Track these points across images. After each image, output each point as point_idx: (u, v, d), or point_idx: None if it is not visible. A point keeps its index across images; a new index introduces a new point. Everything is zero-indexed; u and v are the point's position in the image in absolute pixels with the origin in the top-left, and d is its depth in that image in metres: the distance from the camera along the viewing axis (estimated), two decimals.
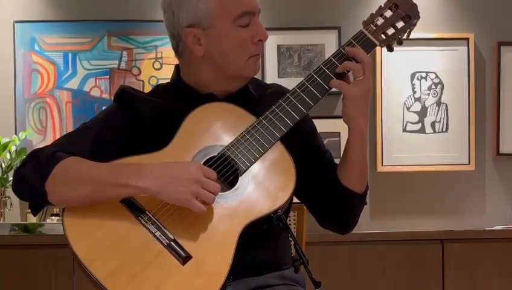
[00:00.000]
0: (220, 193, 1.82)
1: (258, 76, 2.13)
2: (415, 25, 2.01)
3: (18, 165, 1.92)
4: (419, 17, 2.01)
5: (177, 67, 2.06)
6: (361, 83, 1.91)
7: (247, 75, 2.00)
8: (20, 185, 1.89)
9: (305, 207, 2.54)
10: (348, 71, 1.94)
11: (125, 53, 4.07)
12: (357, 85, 1.91)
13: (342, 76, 1.94)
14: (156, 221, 1.81)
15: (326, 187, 2.00)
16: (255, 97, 2.03)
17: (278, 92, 2.03)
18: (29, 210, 1.92)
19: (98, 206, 1.82)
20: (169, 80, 2.09)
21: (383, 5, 2.01)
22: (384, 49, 2.02)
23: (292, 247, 2.11)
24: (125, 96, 2.02)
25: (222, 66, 1.96)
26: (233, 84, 2.00)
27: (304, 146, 2.03)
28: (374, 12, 2.01)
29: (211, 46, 1.94)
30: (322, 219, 2.07)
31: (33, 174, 1.85)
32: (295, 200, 2.04)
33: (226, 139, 1.90)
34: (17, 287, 3.54)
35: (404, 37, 2.01)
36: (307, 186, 2.01)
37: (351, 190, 1.98)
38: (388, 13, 2.00)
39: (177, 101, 1.99)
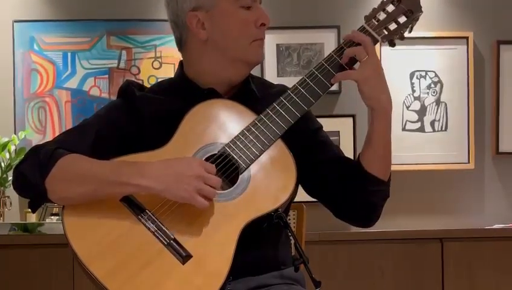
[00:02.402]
0: (220, 191, 1.82)
1: (257, 74, 2.13)
2: (417, 19, 1.99)
3: (18, 162, 1.92)
4: (421, 11, 1.99)
5: (181, 63, 2.06)
6: (367, 63, 1.90)
7: (250, 60, 1.99)
8: (20, 181, 1.89)
9: (304, 206, 2.55)
10: (353, 59, 1.92)
11: (124, 52, 4.07)
12: (363, 67, 1.90)
13: (349, 67, 1.93)
14: (156, 220, 1.81)
15: (344, 180, 1.96)
16: (257, 96, 2.02)
17: (282, 91, 1.99)
18: (29, 209, 1.92)
19: (98, 204, 1.82)
20: (172, 76, 2.10)
21: (385, 0, 2.00)
22: (383, 47, 2.02)
23: (292, 246, 2.11)
24: (128, 93, 2.02)
25: (226, 49, 1.96)
26: (237, 70, 1.99)
27: (312, 144, 2.02)
28: (376, 7, 2.00)
29: (214, 29, 1.95)
30: (343, 214, 2.03)
31: (33, 171, 1.85)
32: (295, 199, 2.04)
33: (227, 136, 1.89)
34: (16, 286, 3.54)
35: (406, 32, 2.01)
36: (322, 183, 2.00)
37: (375, 176, 1.94)
38: (390, 8, 1.99)
39: (178, 96, 1.99)
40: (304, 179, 1.99)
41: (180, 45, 2.03)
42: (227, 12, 1.95)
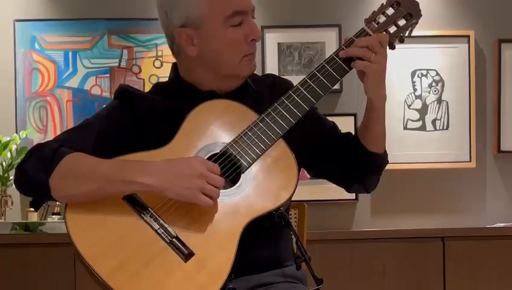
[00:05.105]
0: (222, 190, 1.82)
1: (259, 73, 2.14)
2: (416, 23, 2.01)
3: (21, 160, 1.92)
4: (420, 15, 2.01)
5: (174, 65, 2.06)
6: (378, 59, 1.92)
7: (242, 75, 2.00)
8: (23, 179, 1.89)
9: (306, 205, 2.56)
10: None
11: (125, 51, 4.08)
12: (376, 61, 1.92)
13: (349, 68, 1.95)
14: (158, 218, 1.81)
15: (351, 157, 2.03)
16: (254, 89, 2.04)
17: (276, 82, 2.06)
18: (30, 209, 1.92)
19: (101, 203, 1.82)
20: (167, 78, 2.09)
21: (384, 3, 2.01)
22: None
23: (293, 244, 2.11)
24: (126, 94, 2.02)
25: (216, 66, 1.96)
26: (230, 83, 2.00)
27: (316, 128, 2.07)
28: (376, 10, 2.01)
29: (203, 47, 1.95)
30: (351, 185, 2.11)
31: (37, 169, 1.85)
32: (296, 198, 2.04)
33: (229, 136, 1.90)
34: (17, 286, 3.54)
35: (406, 34, 2.02)
36: (330, 163, 2.06)
37: (379, 153, 2.03)
38: (390, 11, 2.00)
39: (178, 98, 2.00)
40: (308, 164, 2.07)
41: (173, 52, 2.03)
42: (215, 33, 1.93)
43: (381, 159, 2.05)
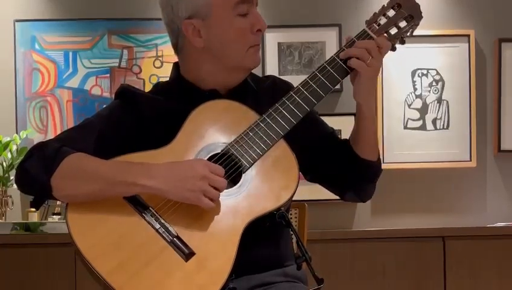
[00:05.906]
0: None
1: (259, 73, 2.14)
2: (417, 24, 2.01)
3: (22, 158, 1.91)
4: (421, 17, 2.01)
5: (175, 64, 2.07)
6: (373, 63, 1.92)
7: (248, 66, 2.00)
8: (24, 178, 1.88)
9: (306, 205, 2.56)
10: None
11: (125, 51, 4.08)
12: (371, 65, 1.93)
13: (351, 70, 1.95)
14: (159, 217, 1.82)
15: (345, 164, 2.04)
16: (255, 89, 2.04)
17: (276, 83, 2.07)
18: (31, 209, 1.91)
19: (102, 202, 1.82)
20: (168, 78, 2.09)
21: (386, 5, 2.01)
22: None
23: (294, 244, 2.11)
24: (127, 94, 2.02)
25: (222, 57, 1.97)
26: (235, 76, 2.01)
27: (314, 132, 2.08)
28: (377, 11, 2.01)
29: (210, 37, 1.95)
30: (345, 193, 2.11)
31: (38, 168, 1.85)
32: (296, 198, 2.04)
33: (229, 136, 1.90)
34: (18, 286, 3.54)
35: (407, 35, 2.02)
36: (326, 168, 2.06)
37: (371, 160, 2.03)
38: (391, 13, 2.01)
39: (179, 98, 2.00)
40: (305, 168, 2.06)
41: (177, 49, 2.04)
42: (223, 21, 1.94)
43: (374, 167, 2.05)
